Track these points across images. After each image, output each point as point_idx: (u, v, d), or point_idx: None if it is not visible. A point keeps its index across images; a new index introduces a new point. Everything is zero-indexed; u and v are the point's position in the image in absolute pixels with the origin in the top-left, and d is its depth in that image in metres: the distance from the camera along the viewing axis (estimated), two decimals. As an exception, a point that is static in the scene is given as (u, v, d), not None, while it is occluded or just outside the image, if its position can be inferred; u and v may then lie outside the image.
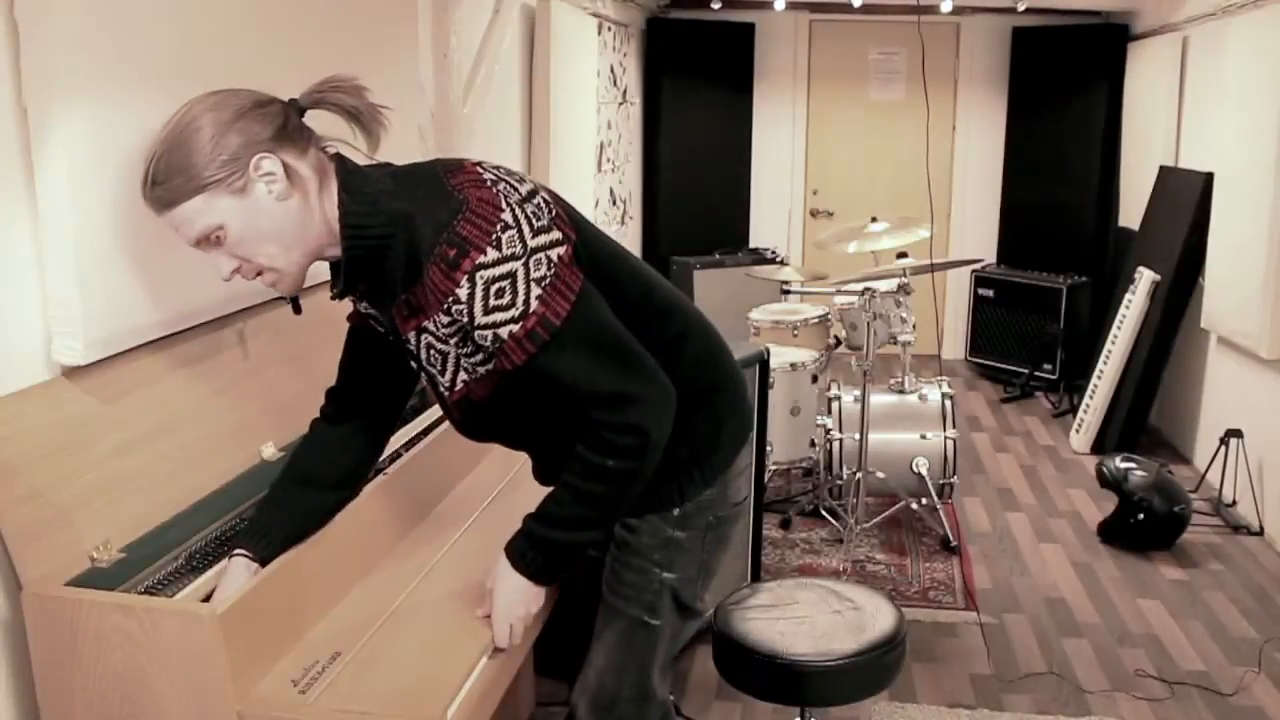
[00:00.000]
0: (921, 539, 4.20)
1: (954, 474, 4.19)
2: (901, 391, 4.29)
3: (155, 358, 1.87)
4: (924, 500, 4.21)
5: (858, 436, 4.08)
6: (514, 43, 4.01)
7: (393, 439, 2.27)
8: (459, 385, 1.67)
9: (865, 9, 6.34)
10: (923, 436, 4.17)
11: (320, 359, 2.37)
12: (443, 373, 1.67)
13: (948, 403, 4.22)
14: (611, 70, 5.72)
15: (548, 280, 1.53)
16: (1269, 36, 4.23)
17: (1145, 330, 5.11)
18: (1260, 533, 4.24)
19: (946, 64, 6.93)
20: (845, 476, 4.18)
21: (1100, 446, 5.17)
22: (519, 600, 1.71)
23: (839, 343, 4.72)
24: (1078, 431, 5.36)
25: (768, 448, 3.95)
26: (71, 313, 1.66)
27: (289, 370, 2.24)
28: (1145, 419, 5.26)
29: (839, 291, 4.49)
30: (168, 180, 1.49)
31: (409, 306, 1.59)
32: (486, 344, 1.55)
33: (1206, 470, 4.58)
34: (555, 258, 1.55)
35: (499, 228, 1.51)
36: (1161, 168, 5.44)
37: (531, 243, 1.54)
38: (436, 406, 2.43)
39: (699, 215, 6.91)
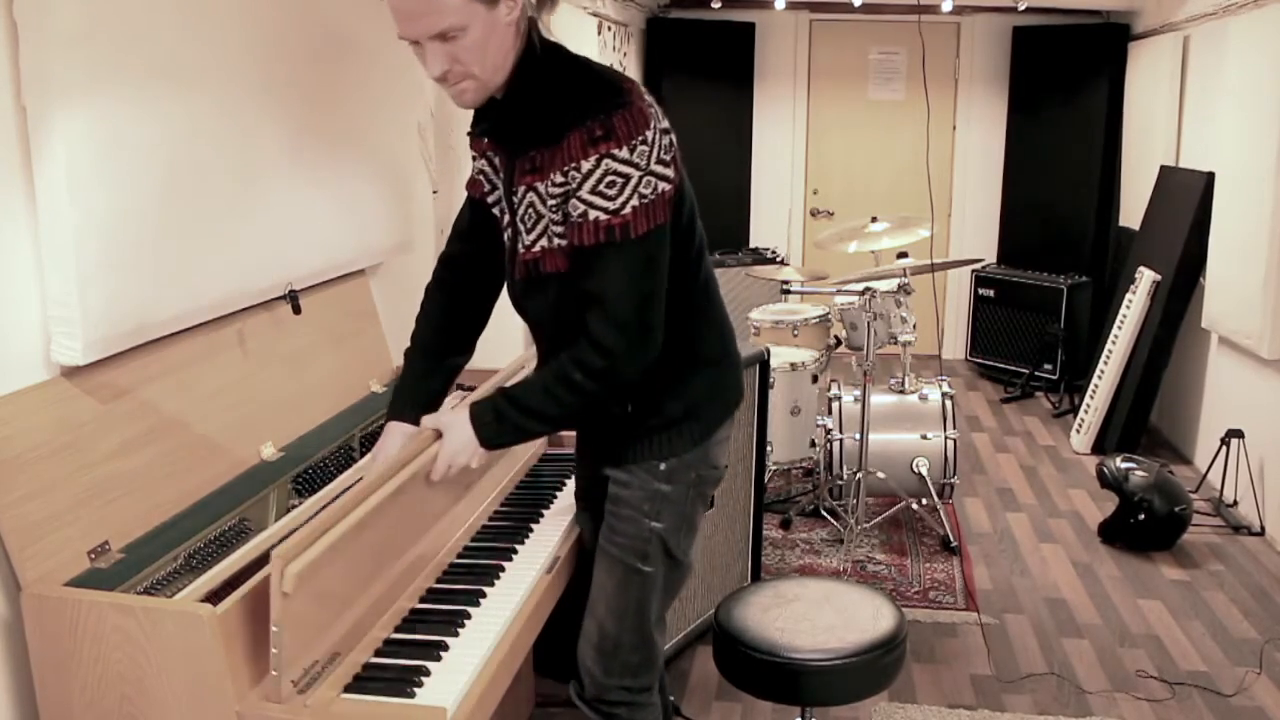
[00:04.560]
0: (922, 539, 4.20)
1: (954, 474, 4.19)
2: (902, 391, 4.29)
3: (155, 358, 1.87)
4: (924, 500, 4.21)
5: (858, 436, 4.08)
6: (514, 42, 4.00)
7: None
8: (536, 248, 1.87)
9: (865, 9, 6.34)
10: (923, 437, 4.17)
11: (320, 359, 2.38)
12: (530, 231, 1.87)
13: (948, 403, 4.22)
14: (612, 70, 5.71)
15: (647, 200, 1.75)
16: (1269, 36, 4.23)
17: (1146, 330, 5.10)
18: (1261, 533, 4.24)
19: (946, 64, 6.93)
20: (845, 476, 4.18)
21: (1101, 447, 5.18)
22: (463, 449, 1.88)
23: (839, 343, 4.72)
24: (1078, 431, 5.36)
25: (768, 448, 3.95)
26: (71, 313, 1.66)
27: (289, 370, 2.24)
28: (1146, 419, 5.26)
29: (839, 291, 4.48)
30: None
31: (532, 163, 1.81)
32: (574, 214, 1.76)
33: (1207, 470, 4.58)
34: (661, 190, 1.77)
35: (640, 139, 1.74)
36: (1162, 167, 5.44)
37: (654, 166, 1.76)
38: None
39: (699, 214, 6.89)
